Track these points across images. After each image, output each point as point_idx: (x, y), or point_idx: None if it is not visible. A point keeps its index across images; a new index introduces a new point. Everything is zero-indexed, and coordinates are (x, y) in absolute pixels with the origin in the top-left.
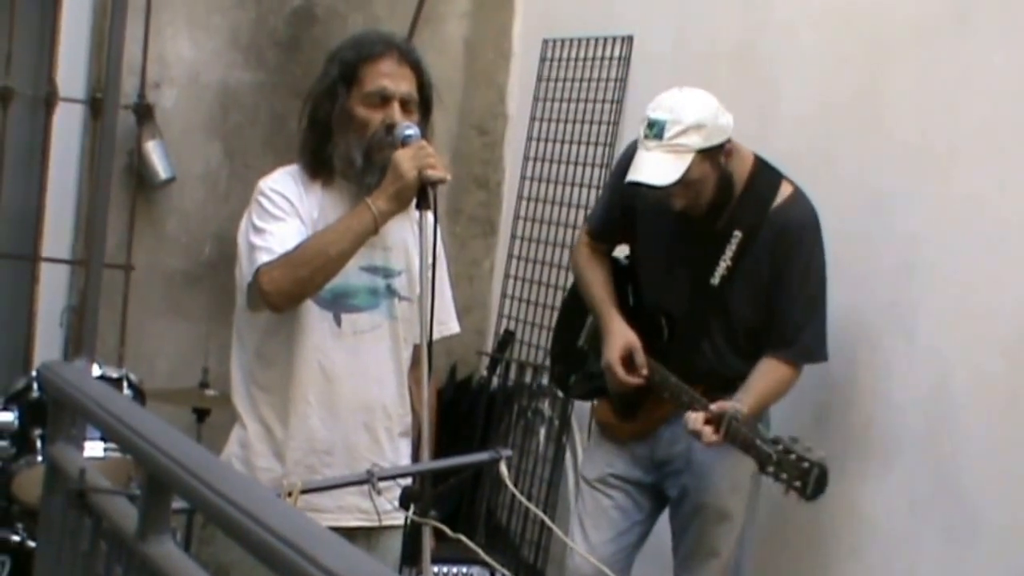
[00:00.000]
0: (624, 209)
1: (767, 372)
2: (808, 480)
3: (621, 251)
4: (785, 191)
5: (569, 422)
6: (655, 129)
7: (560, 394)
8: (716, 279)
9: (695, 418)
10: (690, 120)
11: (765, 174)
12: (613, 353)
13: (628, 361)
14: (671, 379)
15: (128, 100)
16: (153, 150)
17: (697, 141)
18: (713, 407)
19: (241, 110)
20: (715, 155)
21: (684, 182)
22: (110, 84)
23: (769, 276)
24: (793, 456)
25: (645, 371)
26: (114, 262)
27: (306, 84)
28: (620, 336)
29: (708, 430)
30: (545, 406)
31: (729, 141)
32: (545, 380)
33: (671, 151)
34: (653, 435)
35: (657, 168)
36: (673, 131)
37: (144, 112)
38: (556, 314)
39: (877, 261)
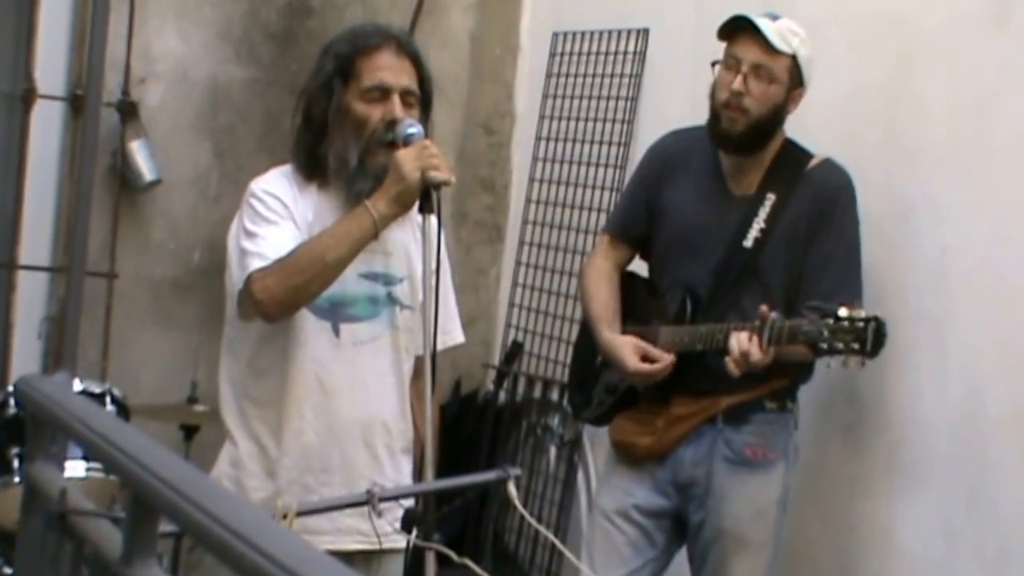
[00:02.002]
0: (650, 199)
1: None
2: (866, 337)
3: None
4: (818, 158)
5: (581, 440)
6: (768, 15)
7: (585, 424)
8: (749, 241)
9: (741, 338)
10: (802, 32)
11: (796, 147)
12: (630, 361)
13: (646, 359)
14: (689, 335)
15: (111, 97)
16: (138, 150)
17: (800, 49)
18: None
19: (232, 107)
20: (794, 79)
21: (769, 69)
22: (92, 80)
23: (804, 236)
24: (844, 321)
25: (667, 356)
26: (96, 270)
27: (301, 80)
28: (627, 345)
29: (754, 348)
30: (556, 422)
31: (802, 94)
32: (555, 395)
33: (778, 33)
34: (674, 456)
35: (765, 27)
36: (787, 25)
37: (128, 110)
38: (567, 325)
39: (906, 271)
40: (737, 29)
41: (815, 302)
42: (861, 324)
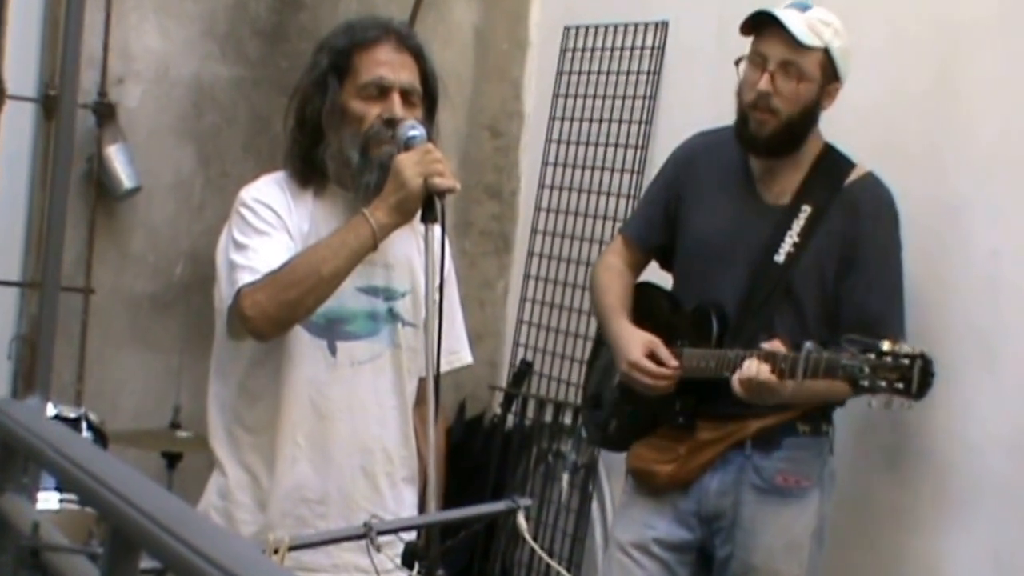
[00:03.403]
0: (673, 202)
1: None
2: (911, 376)
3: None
4: (860, 170)
5: (596, 467)
6: (798, 5)
7: (598, 447)
8: (781, 256)
9: (748, 364)
10: (834, 22)
11: (837, 154)
12: (634, 351)
13: (653, 359)
14: (707, 355)
15: (87, 98)
16: (116, 155)
17: (832, 41)
18: (766, 345)
19: (217, 109)
20: (828, 74)
21: (798, 66)
22: (66, 79)
23: (842, 257)
24: (888, 357)
25: (674, 362)
26: (71, 284)
27: (292, 78)
28: (637, 336)
29: (766, 369)
30: (568, 448)
31: (838, 88)
32: (568, 418)
33: (807, 25)
34: (698, 485)
35: (793, 22)
36: (818, 15)
37: (105, 112)
38: (580, 343)
39: (953, 280)
40: (762, 24)
41: (855, 335)
42: (906, 361)
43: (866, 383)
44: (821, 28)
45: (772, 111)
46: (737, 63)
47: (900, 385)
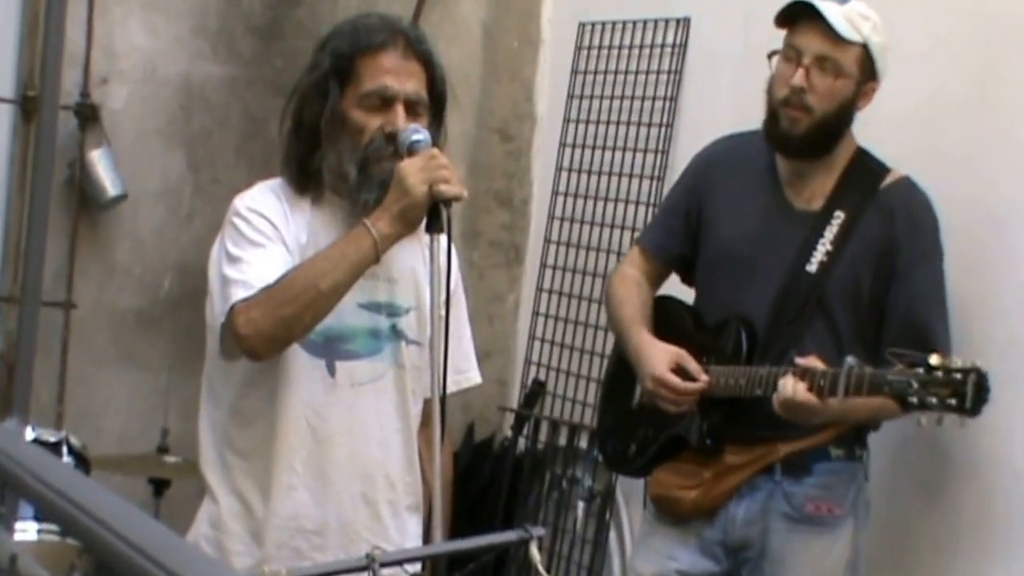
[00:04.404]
0: (694, 210)
1: None
2: (965, 392)
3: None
4: (895, 174)
5: (614, 494)
6: None
7: (618, 473)
8: (813, 265)
9: (783, 383)
10: (873, 16)
11: (870, 158)
12: (659, 365)
13: (679, 373)
14: (736, 372)
15: (69, 99)
16: (99, 161)
17: (871, 36)
18: (800, 361)
19: (208, 111)
20: (865, 71)
21: (835, 61)
22: (46, 79)
23: (878, 266)
24: (938, 371)
25: (704, 376)
26: (51, 299)
27: (288, 78)
28: (661, 349)
29: (802, 388)
30: (584, 473)
31: (875, 87)
32: (583, 442)
33: (846, 17)
34: (724, 512)
35: (832, 13)
36: (857, 8)
37: (88, 114)
38: (596, 361)
39: (996, 292)
40: (797, 15)
41: (899, 349)
42: (959, 376)
43: (916, 400)
44: (860, 22)
45: (806, 108)
46: (770, 57)
47: (953, 401)
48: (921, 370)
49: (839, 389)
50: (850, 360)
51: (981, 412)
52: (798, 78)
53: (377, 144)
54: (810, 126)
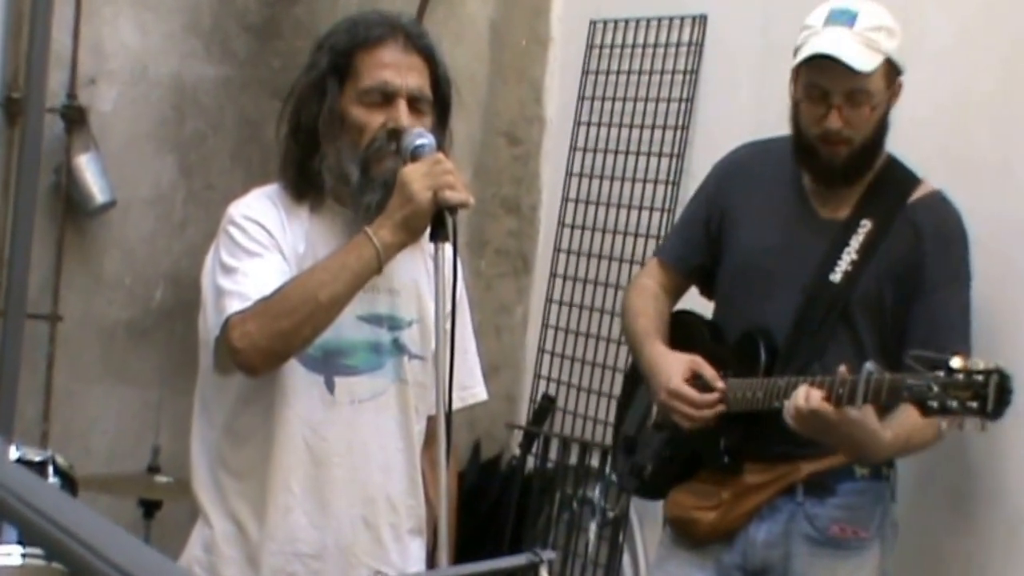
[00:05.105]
0: (715, 219)
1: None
2: (986, 394)
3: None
4: (925, 187)
5: (628, 515)
6: (842, 17)
7: (633, 495)
8: (837, 275)
9: (798, 392)
10: (883, 20)
11: (901, 168)
12: (674, 377)
13: (695, 383)
14: (754, 385)
15: (54, 101)
16: (87, 166)
17: (889, 46)
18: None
19: (202, 113)
20: (892, 80)
21: (865, 91)
22: (31, 81)
23: (901, 282)
24: (959, 374)
25: (720, 384)
26: (36, 311)
27: (285, 79)
28: (675, 360)
29: (817, 398)
30: (596, 494)
31: (901, 83)
32: (596, 460)
33: (862, 42)
34: (744, 535)
35: (851, 50)
36: (867, 23)
37: (75, 116)
38: (608, 375)
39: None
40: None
41: (921, 351)
42: (980, 378)
43: (936, 404)
44: (876, 39)
45: (845, 141)
46: (793, 73)
47: (974, 404)
48: (942, 373)
49: (858, 396)
50: (869, 366)
51: (1003, 415)
52: (834, 121)
53: (379, 143)
54: (851, 154)
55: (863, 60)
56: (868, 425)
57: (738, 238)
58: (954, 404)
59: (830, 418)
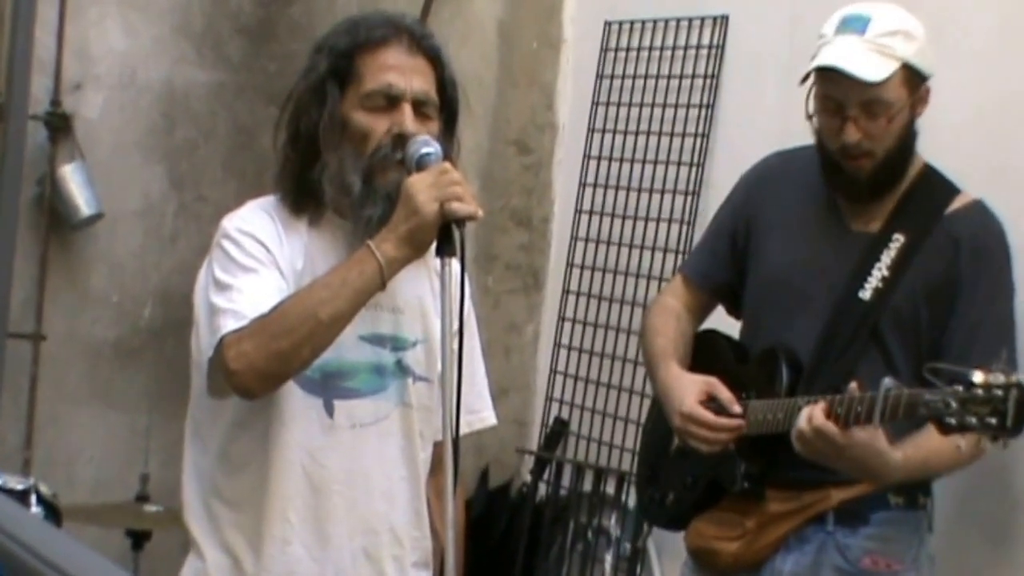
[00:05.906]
0: (742, 233)
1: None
2: (1005, 409)
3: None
4: (964, 198)
5: (646, 546)
6: (854, 24)
7: (655, 525)
8: (867, 292)
9: (806, 414)
10: (899, 24)
11: (938, 177)
12: (688, 399)
13: (711, 405)
14: (774, 406)
15: (38, 108)
16: (72, 176)
17: (906, 51)
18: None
19: (192, 121)
20: (915, 86)
21: (882, 101)
22: (14, 86)
23: (937, 299)
24: (979, 389)
25: (736, 407)
26: (18, 330)
27: (281, 84)
28: (689, 382)
29: (820, 417)
30: (612, 523)
31: (928, 89)
32: (611, 488)
33: (874, 49)
34: (770, 567)
35: (860, 60)
36: (878, 28)
37: (60, 124)
38: (624, 397)
39: None
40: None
41: (942, 364)
42: (999, 392)
43: (954, 421)
44: (889, 44)
45: (867, 154)
46: (807, 80)
47: (993, 420)
48: (961, 388)
49: (875, 413)
50: (887, 381)
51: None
52: (850, 134)
53: (384, 151)
54: (876, 167)
55: (873, 69)
56: (875, 445)
57: (765, 252)
58: (973, 421)
59: (836, 440)
